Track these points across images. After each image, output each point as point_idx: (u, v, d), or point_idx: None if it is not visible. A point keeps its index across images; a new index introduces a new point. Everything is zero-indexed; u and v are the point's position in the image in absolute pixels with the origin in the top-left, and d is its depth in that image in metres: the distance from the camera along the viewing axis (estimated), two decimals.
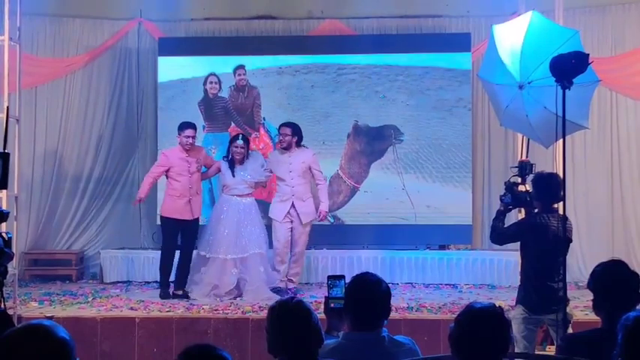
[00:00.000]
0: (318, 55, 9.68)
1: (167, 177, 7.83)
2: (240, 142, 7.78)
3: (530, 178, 5.27)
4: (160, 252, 8.01)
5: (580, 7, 8.96)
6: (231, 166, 7.75)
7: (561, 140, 4.69)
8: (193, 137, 7.82)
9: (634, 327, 2.50)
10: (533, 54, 5.14)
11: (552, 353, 5.25)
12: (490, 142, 9.69)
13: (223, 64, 9.72)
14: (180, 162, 7.73)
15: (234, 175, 7.71)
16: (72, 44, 9.89)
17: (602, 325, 3.26)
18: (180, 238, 7.85)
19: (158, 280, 8.05)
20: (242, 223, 7.72)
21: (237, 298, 7.53)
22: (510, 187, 5.27)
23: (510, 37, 5.35)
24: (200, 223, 8.01)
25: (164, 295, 7.67)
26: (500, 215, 5.25)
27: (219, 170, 7.91)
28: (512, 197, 5.24)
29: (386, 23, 9.84)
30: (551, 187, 4.94)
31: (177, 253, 7.88)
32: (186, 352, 2.32)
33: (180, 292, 7.69)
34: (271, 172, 7.96)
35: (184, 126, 7.83)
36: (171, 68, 9.69)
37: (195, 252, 7.85)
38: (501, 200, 5.29)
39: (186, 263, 7.84)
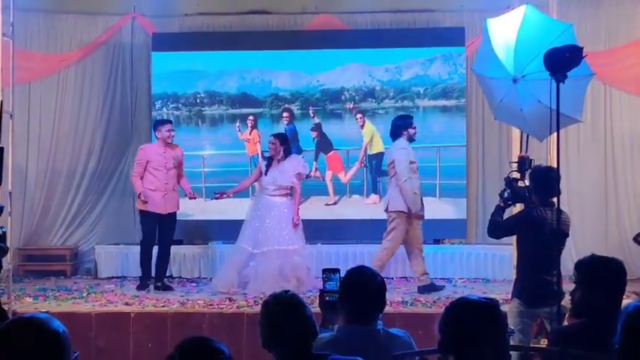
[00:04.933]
0: (312, 50, 9.64)
1: (144, 171, 7.97)
2: (271, 137, 7.89)
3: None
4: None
5: (574, 0, 8.96)
6: (268, 164, 7.81)
7: (555, 134, 4.69)
8: (174, 131, 8.06)
9: (634, 316, 2.50)
10: (527, 48, 5.15)
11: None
12: (484, 136, 9.68)
13: (217, 60, 9.68)
14: (157, 157, 7.95)
15: (265, 174, 7.77)
16: (65, 40, 9.86)
17: (589, 318, 3.27)
18: (157, 232, 8.01)
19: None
20: (265, 218, 7.73)
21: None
22: (510, 182, 5.27)
23: (504, 30, 5.36)
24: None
25: (142, 287, 7.87)
26: (500, 210, 5.26)
27: (260, 171, 7.91)
28: (511, 193, 5.24)
29: (380, 18, 9.82)
30: (549, 180, 4.92)
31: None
32: (183, 344, 2.31)
33: (159, 284, 7.92)
34: (299, 178, 7.81)
35: (163, 122, 8.19)
36: (165, 63, 9.65)
37: (237, 247, 7.86)
38: (500, 196, 5.29)
39: (165, 256, 8.10)
